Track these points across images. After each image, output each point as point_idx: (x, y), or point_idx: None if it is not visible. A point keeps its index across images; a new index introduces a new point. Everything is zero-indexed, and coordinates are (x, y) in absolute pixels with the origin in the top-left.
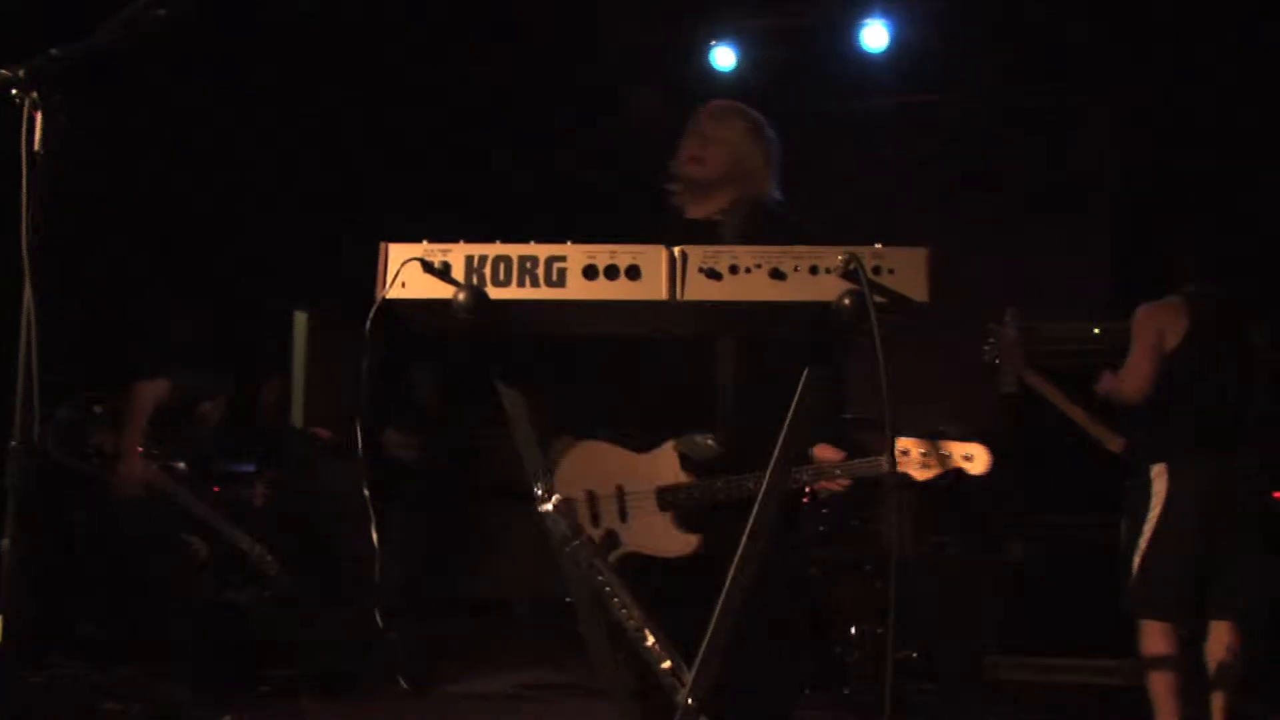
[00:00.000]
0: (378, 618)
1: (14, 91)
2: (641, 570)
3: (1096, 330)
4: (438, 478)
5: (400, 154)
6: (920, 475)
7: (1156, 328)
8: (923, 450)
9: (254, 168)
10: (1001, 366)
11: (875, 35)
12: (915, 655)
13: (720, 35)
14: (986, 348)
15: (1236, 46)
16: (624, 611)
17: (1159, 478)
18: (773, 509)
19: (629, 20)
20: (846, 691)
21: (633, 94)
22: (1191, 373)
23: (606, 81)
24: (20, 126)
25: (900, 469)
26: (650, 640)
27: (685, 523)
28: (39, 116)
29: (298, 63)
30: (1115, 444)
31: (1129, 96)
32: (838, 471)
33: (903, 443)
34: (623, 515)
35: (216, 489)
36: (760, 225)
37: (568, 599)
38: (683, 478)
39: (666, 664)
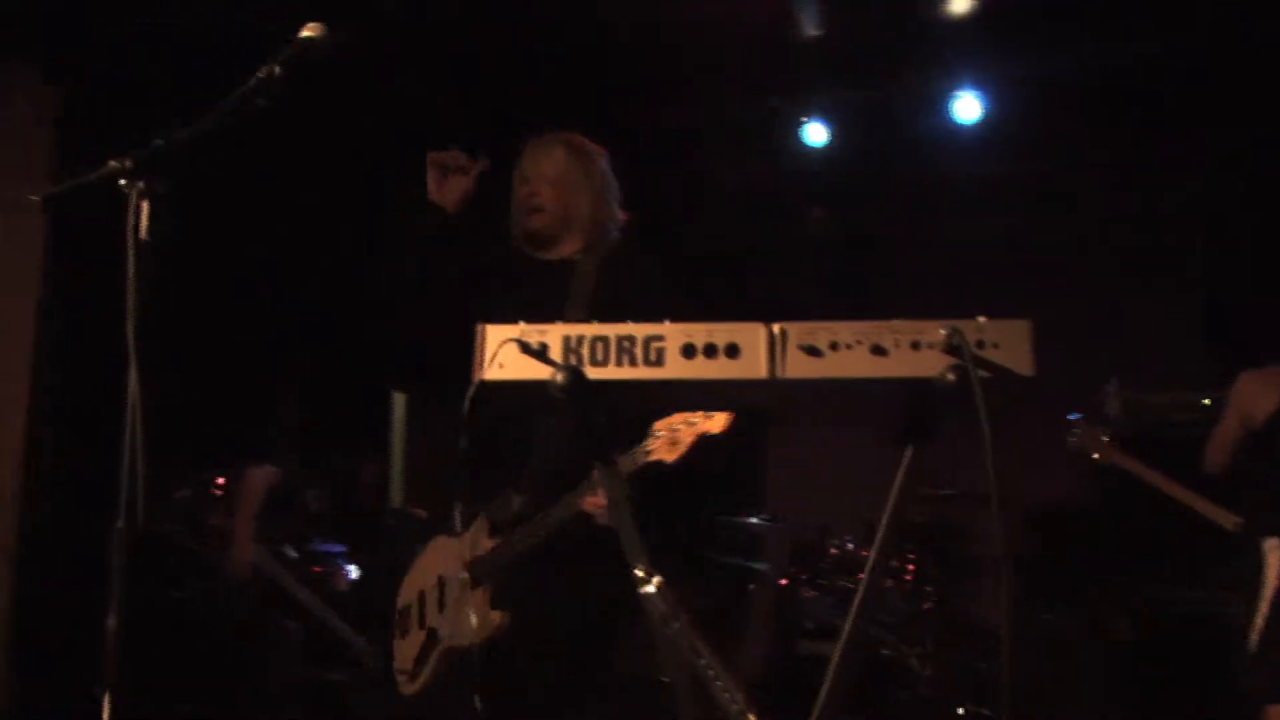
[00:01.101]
0: (476, 701)
1: (121, 182)
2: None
3: (1206, 401)
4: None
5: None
6: (671, 455)
7: (1250, 400)
8: (669, 427)
9: (354, 249)
10: (1092, 458)
11: (968, 108)
12: None
13: (812, 112)
14: (1071, 438)
15: None
16: (727, 695)
17: (1272, 551)
18: (878, 589)
19: (721, 97)
20: None
21: (723, 172)
22: None
23: (701, 161)
24: (126, 215)
25: (651, 457)
26: (752, 718)
27: (497, 599)
28: (145, 205)
29: (399, 140)
30: (1229, 522)
31: (1220, 160)
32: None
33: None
34: (441, 605)
35: (318, 569)
36: (617, 265)
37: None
38: (489, 544)
39: None
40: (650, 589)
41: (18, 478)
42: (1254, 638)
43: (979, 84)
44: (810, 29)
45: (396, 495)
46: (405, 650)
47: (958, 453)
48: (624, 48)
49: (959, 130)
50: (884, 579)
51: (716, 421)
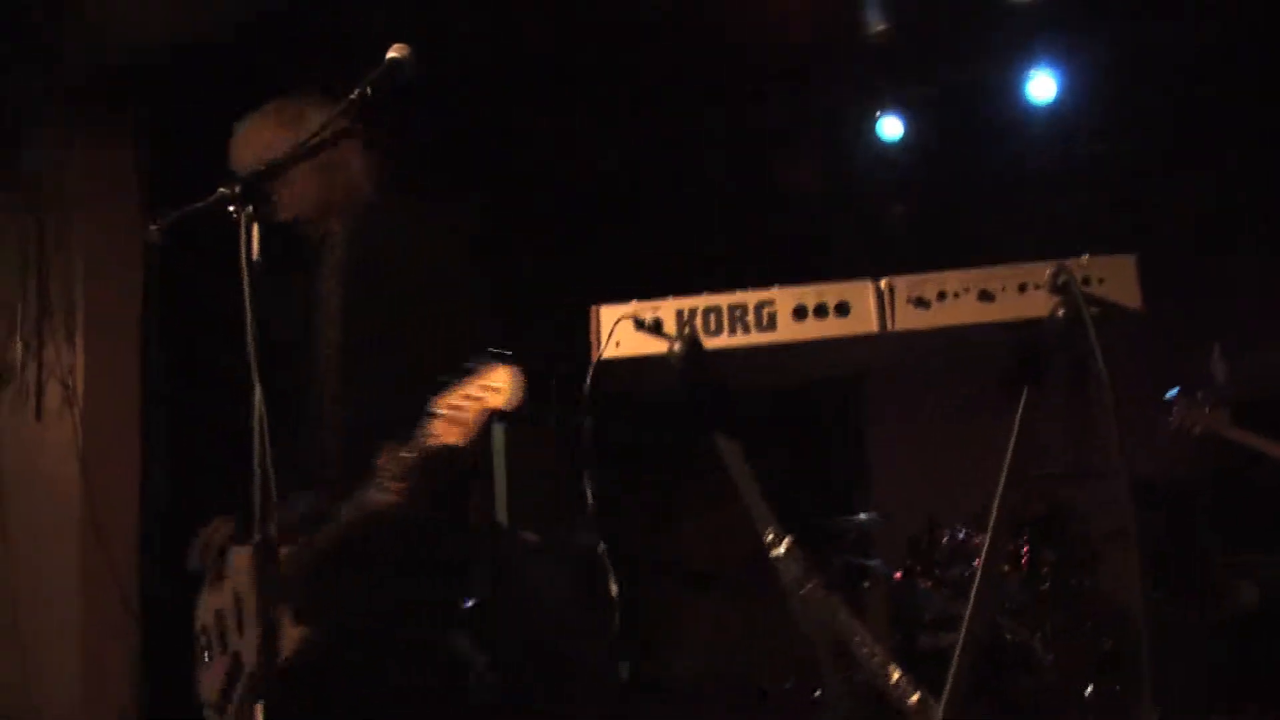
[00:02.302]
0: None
1: (230, 208)
2: None
3: None
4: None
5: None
6: (454, 436)
7: None
8: (449, 405)
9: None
10: (1194, 431)
11: (1042, 87)
12: (1159, 713)
13: (886, 106)
14: (1171, 418)
15: None
16: (865, 650)
17: None
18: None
19: (795, 92)
20: None
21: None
22: None
23: (771, 152)
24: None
25: (435, 440)
26: (895, 676)
27: (300, 614)
28: (255, 228)
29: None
30: None
31: None
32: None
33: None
34: (241, 626)
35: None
36: (370, 232)
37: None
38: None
39: (914, 698)
40: (781, 551)
41: (135, 508)
42: None
43: (1052, 62)
44: (877, 24)
45: (503, 518)
46: (209, 681)
47: (1065, 433)
48: (693, 48)
49: (1034, 111)
50: (1000, 564)
51: (502, 394)
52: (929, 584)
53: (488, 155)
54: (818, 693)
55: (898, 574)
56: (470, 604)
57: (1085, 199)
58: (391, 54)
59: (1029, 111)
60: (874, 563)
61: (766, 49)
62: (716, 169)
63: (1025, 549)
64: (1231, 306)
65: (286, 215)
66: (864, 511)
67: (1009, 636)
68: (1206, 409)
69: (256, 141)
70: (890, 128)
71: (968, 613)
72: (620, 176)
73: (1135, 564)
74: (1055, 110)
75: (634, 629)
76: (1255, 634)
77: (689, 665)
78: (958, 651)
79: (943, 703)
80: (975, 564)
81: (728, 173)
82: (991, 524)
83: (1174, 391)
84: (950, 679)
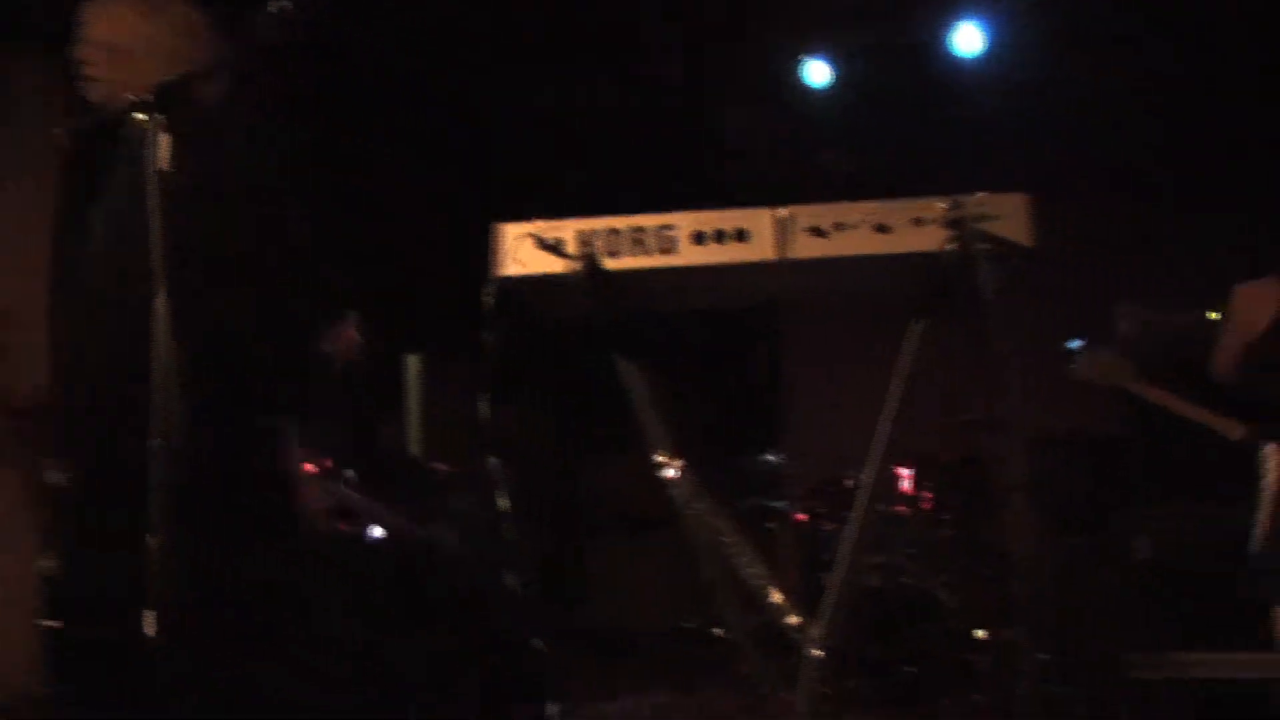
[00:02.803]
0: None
1: (141, 116)
2: None
3: (1214, 315)
4: (546, 510)
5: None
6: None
7: (1246, 309)
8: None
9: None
10: (1097, 383)
11: (969, 39)
12: (1048, 657)
13: (813, 50)
14: (1072, 365)
15: None
16: (751, 570)
17: (1270, 456)
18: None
19: (722, 34)
20: (977, 698)
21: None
22: None
23: (698, 94)
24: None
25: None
26: (777, 596)
27: None
28: (164, 139)
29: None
30: (1236, 432)
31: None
32: None
33: None
34: None
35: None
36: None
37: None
38: None
39: (793, 619)
40: (672, 472)
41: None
42: (1256, 541)
43: (980, 14)
44: None
45: (415, 451)
46: None
47: (972, 379)
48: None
49: (962, 63)
50: (902, 507)
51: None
52: (833, 526)
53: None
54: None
55: (802, 515)
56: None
57: (1010, 150)
58: None
59: (956, 63)
60: (780, 504)
61: None
62: (643, 108)
63: (929, 494)
64: (1152, 262)
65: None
66: (773, 452)
67: (908, 580)
68: (1112, 362)
69: (108, 17)
70: (817, 73)
71: (843, 542)
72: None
73: (1021, 505)
74: (982, 62)
75: (561, 572)
76: (1149, 584)
77: (623, 609)
78: (834, 577)
79: (820, 624)
80: (879, 507)
81: (652, 111)
82: (874, 454)
83: (1078, 341)
84: (827, 604)
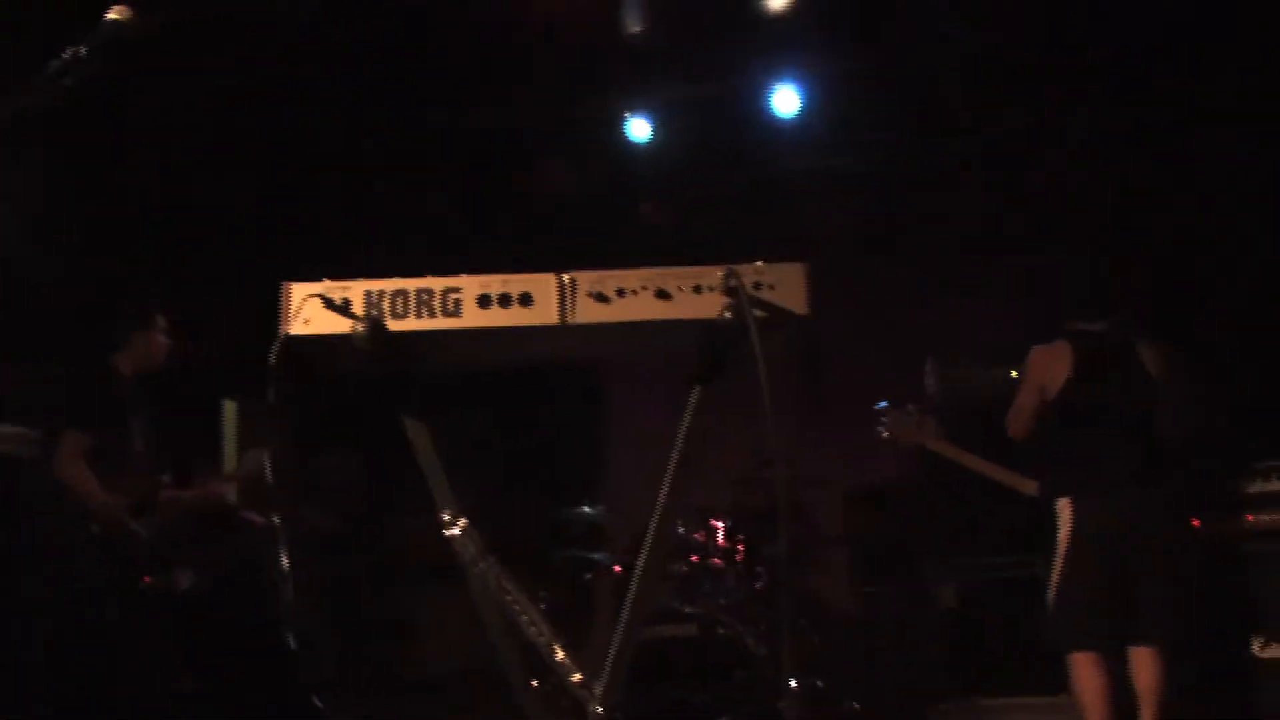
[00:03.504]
0: (315, 700)
1: None
2: None
3: (1015, 374)
4: (362, 559)
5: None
6: None
7: (1041, 372)
8: None
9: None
10: (902, 441)
11: (786, 100)
12: (857, 706)
13: (636, 107)
14: (879, 427)
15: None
16: (533, 629)
17: (1063, 511)
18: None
19: (547, 88)
20: None
21: (547, 164)
22: (1079, 414)
23: (524, 147)
24: None
25: None
26: (560, 654)
27: None
28: None
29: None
30: (1029, 488)
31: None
32: None
33: None
34: None
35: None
36: None
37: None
38: None
39: (577, 676)
40: (456, 531)
41: None
42: (1051, 593)
43: (798, 78)
44: (633, 25)
45: (232, 497)
46: None
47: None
48: (440, 46)
49: (780, 124)
50: (717, 560)
51: None
52: None
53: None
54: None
55: (618, 567)
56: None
57: (826, 209)
58: (111, 15)
59: (773, 122)
60: (598, 555)
61: (509, 47)
62: (466, 162)
63: (742, 546)
64: (950, 323)
65: None
66: (592, 505)
67: (723, 631)
68: (914, 421)
69: None
70: (639, 129)
71: (628, 601)
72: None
73: (784, 557)
74: (798, 123)
75: (377, 623)
76: (956, 630)
77: (443, 660)
78: (616, 638)
79: (603, 682)
80: (693, 559)
81: (477, 166)
82: (655, 517)
83: (884, 403)
84: (609, 662)
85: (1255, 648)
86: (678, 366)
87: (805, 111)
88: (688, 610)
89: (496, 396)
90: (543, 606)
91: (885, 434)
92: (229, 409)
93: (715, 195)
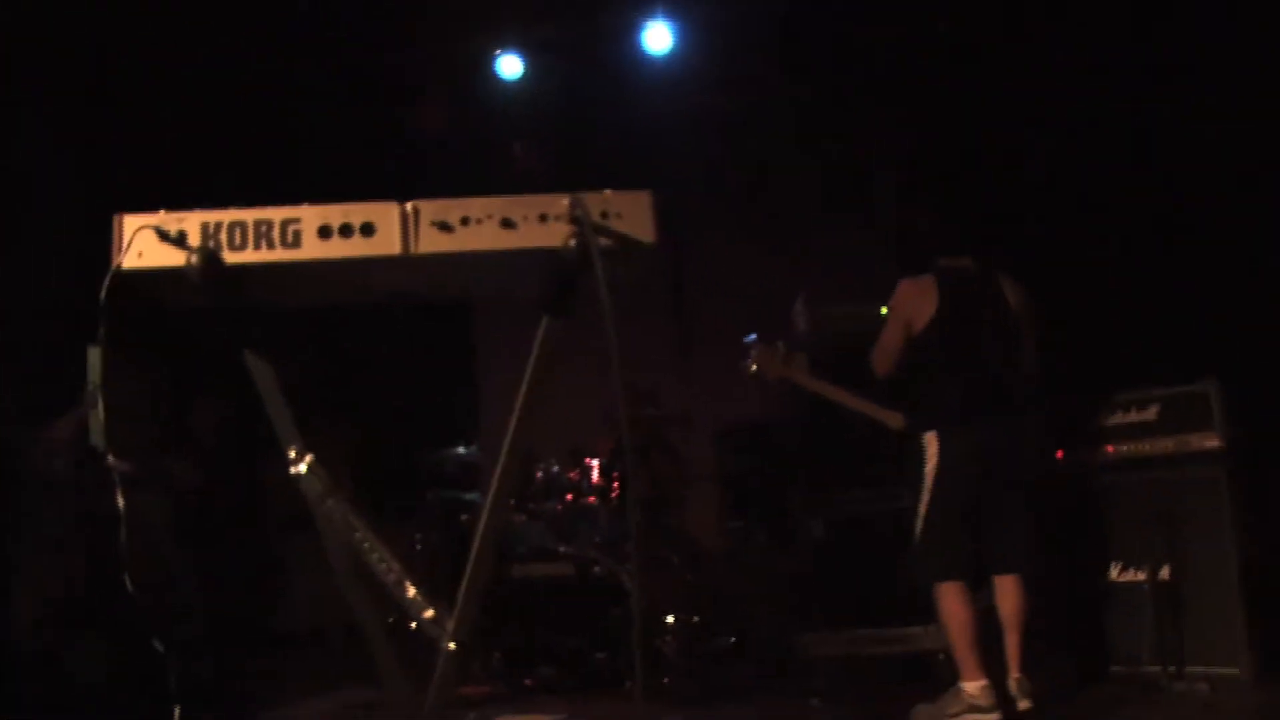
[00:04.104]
0: (158, 645)
1: None
2: None
3: (883, 310)
4: (229, 510)
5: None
6: None
7: (907, 307)
8: None
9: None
10: (769, 376)
11: (658, 38)
12: (732, 639)
13: (506, 44)
14: (746, 361)
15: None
16: (383, 565)
17: (929, 444)
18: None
19: (417, 25)
20: (665, 681)
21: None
22: (946, 348)
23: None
24: None
25: None
26: (411, 591)
27: None
28: None
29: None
30: (895, 421)
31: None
32: None
33: None
34: None
35: None
36: None
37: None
38: None
39: (429, 613)
40: (302, 468)
41: None
42: (918, 524)
43: (670, 14)
44: None
45: (98, 442)
46: None
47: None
48: None
49: (652, 61)
50: (591, 498)
51: None
52: (523, 517)
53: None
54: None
55: None
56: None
57: (693, 148)
58: None
59: (644, 60)
60: (471, 496)
61: None
62: (337, 99)
63: (615, 485)
64: (819, 260)
65: None
66: (464, 446)
67: (598, 570)
68: (781, 356)
69: None
70: (509, 66)
71: (478, 532)
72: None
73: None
74: (670, 60)
75: (250, 575)
76: (822, 563)
77: (298, 613)
78: (467, 572)
79: (454, 617)
80: (567, 498)
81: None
82: (505, 448)
83: (752, 337)
84: (460, 596)
85: (1113, 573)
86: (531, 301)
87: (677, 49)
88: (563, 549)
89: (369, 333)
90: (417, 548)
91: (753, 368)
92: (93, 354)
93: (586, 134)
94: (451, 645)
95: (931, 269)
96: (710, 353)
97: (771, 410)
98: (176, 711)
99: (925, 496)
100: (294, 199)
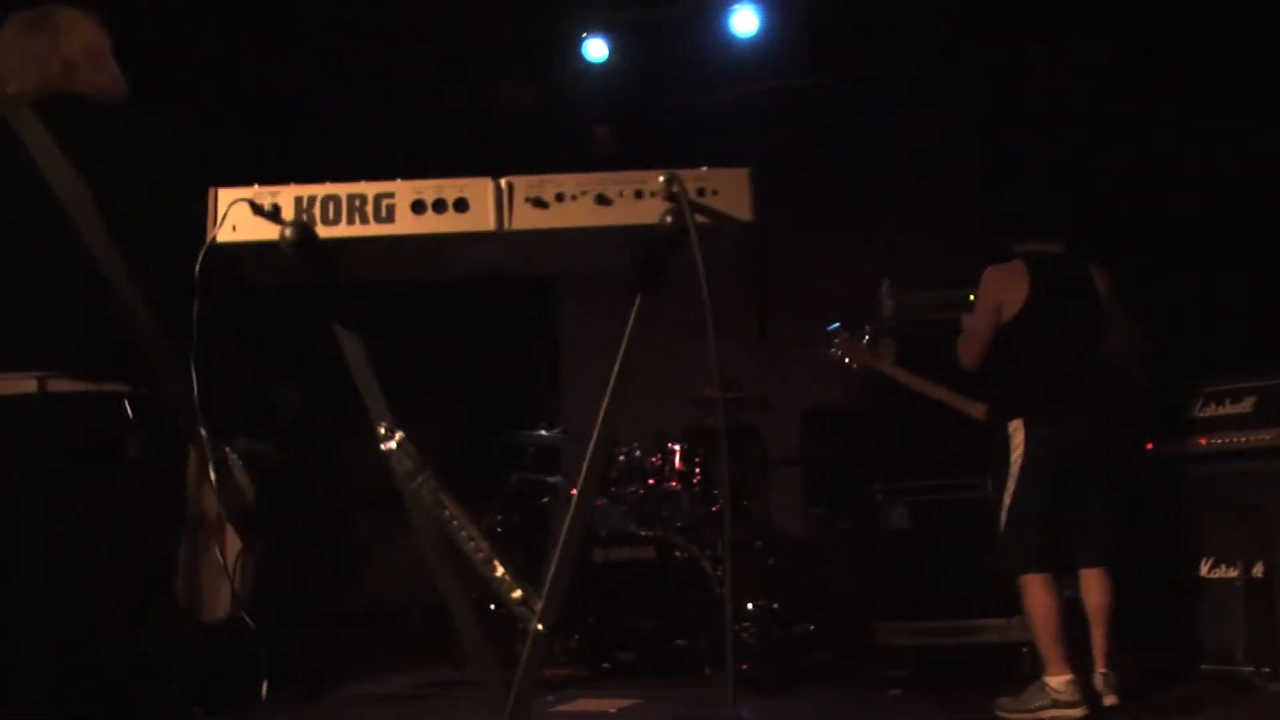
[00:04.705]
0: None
1: None
2: None
3: (971, 298)
4: (312, 490)
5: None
6: None
7: (997, 294)
8: None
9: None
10: (847, 361)
11: (745, 21)
12: (812, 627)
13: (593, 27)
14: (831, 349)
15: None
16: (472, 544)
17: (1016, 432)
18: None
19: (504, 10)
20: (744, 668)
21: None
22: (1035, 336)
23: (480, 70)
24: None
25: None
26: (500, 571)
27: None
28: None
29: None
30: (979, 411)
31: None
32: None
33: None
34: None
35: None
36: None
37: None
38: None
39: (517, 593)
40: (392, 444)
41: None
42: (1003, 515)
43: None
44: None
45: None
46: None
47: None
48: None
49: (738, 44)
50: (674, 483)
51: None
52: (604, 501)
53: None
54: None
55: (574, 490)
56: None
57: (777, 130)
58: None
59: (730, 42)
60: (554, 479)
61: None
62: (424, 80)
63: (697, 470)
64: (904, 244)
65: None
66: (548, 429)
67: (679, 554)
68: (865, 343)
69: (17, 52)
70: (595, 49)
71: (569, 515)
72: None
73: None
74: (755, 43)
75: (331, 554)
76: (906, 552)
77: (380, 592)
78: (556, 553)
79: (542, 599)
80: (649, 482)
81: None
82: (597, 426)
83: (836, 325)
84: (549, 578)
85: (1204, 569)
86: (623, 278)
87: (762, 31)
88: (644, 534)
89: (451, 316)
90: (498, 530)
91: (837, 356)
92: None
93: (669, 117)
94: (539, 627)
95: (1020, 255)
96: (792, 337)
97: (855, 397)
98: (265, 686)
99: (1010, 486)
100: (380, 177)
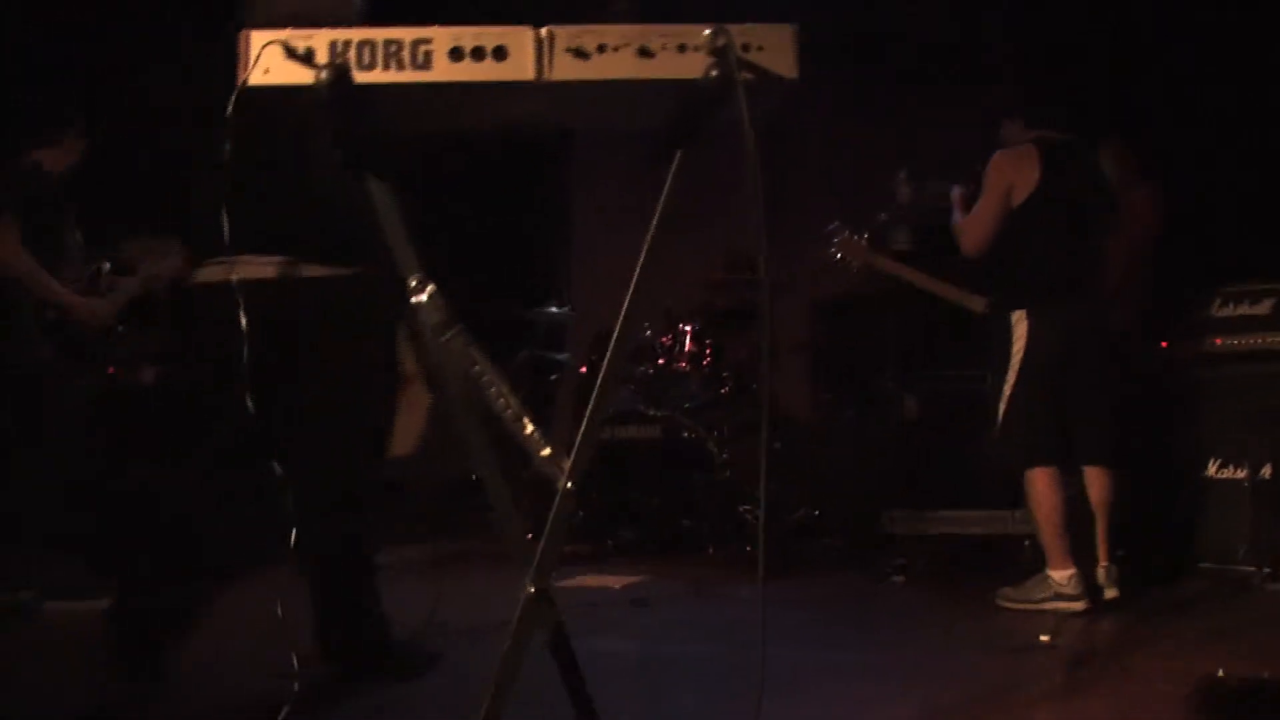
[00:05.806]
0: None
1: None
2: None
3: None
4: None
5: None
6: None
7: (1008, 176)
8: None
9: None
10: (847, 260)
11: None
12: (817, 513)
13: None
14: (830, 248)
15: None
16: (501, 401)
17: (1019, 323)
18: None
19: None
20: (749, 549)
21: None
22: (1044, 222)
23: None
24: None
25: None
26: (529, 428)
27: None
28: None
29: None
30: (978, 305)
31: None
32: None
33: None
34: None
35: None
36: None
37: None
38: None
39: (546, 451)
40: (423, 297)
41: None
42: (1002, 406)
43: None
44: None
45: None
46: None
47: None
48: None
49: None
50: (683, 364)
51: None
52: None
53: None
54: None
55: (582, 368)
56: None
57: (795, 17)
58: None
59: None
60: (562, 356)
61: None
62: None
63: (709, 351)
64: (922, 135)
65: None
66: (556, 306)
67: (686, 434)
68: (863, 243)
69: None
70: None
71: (603, 369)
72: None
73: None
74: None
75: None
76: (910, 441)
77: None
78: (588, 414)
79: (570, 460)
80: (659, 362)
81: None
82: (632, 289)
83: (834, 224)
84: (579, 438)
85: (1211, 469)
86: (659, 137)
87: None
88: (652, 413)
89: (459, 189)
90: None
91: (837, 255)
92: None
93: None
94: (569, 484)
95: (1032, 138)
96: (811, 224)
97: (867, 284)
98: (293, 535)
99: (1011, 378)
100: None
